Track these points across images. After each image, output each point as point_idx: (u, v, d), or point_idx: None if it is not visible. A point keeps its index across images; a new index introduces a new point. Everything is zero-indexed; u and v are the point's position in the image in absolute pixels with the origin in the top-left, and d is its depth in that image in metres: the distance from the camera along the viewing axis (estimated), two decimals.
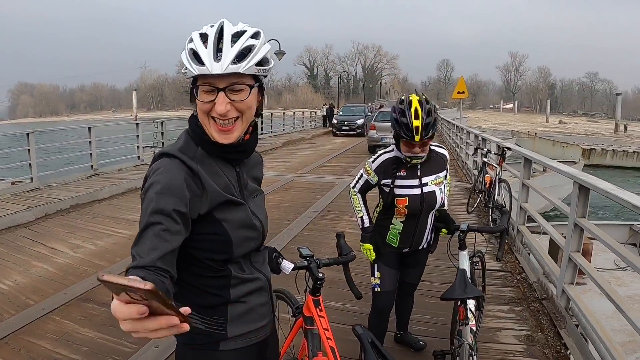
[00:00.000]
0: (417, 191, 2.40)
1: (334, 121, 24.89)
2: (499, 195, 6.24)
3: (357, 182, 2.56)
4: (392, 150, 2.46)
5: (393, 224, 2.51)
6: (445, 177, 2.53)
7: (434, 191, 2.42)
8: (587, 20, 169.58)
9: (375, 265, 2.59)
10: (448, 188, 2.67)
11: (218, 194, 1.17)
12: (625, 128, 49.29)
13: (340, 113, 26.56)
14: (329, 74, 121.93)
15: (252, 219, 1.26)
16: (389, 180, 2.41)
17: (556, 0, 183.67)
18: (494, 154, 7.10)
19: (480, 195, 7.11)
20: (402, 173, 2.40)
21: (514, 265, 4.65)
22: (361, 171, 2.56)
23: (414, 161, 2.35)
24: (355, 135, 22.29)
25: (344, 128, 23.34)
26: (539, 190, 4.79)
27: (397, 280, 2.64)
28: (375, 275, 2.59)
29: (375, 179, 2.46)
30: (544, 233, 5.69)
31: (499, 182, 6.25)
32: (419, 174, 2.41)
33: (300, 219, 6.54)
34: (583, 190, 3.25)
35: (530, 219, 5.19)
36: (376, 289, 2.61)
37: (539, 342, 3.14)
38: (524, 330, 3.31)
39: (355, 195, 2.57)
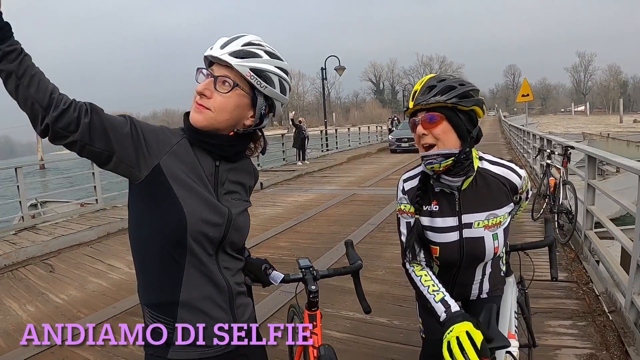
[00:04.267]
0: (453, 236, 1.57)
1: (390, 137, 21.91)
2: (564, 198, 5.74)
3: (404, 244, 1.64)
4: (418, 167, 1.69)
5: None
6: (512, 212, 1.69)
7: (482, 238, 1.56)
8: None
9: (417, 307, 1.91)
10: (518, 214, 1.90)
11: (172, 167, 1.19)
12: None
13: (399, 127, 23.21)
14: (395, 88, 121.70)
15: (214, 201, 1.23)
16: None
17: None
18: (558, 154, 6.58)
19: (545, 200, 6.60)
20: (434, 206, 1.59)
21: (581, 275, 4.20)
22: (398, 220, 1.70)
23: (444, 180, 1.54)
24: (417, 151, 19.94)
25: (402, 145, 20.39)
26: (604, 191, 4.31)
27: None
28: (418, 320, 1.92)
29: (412, 208, 1.63)
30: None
31: (563, 185, 5.75)
32: (457, 209, 1.57)
33: (357, 232, 6.39)
34: None
35: (600, 225, 4.70)
36: (421, 334, 1.94)
37: None
38: (587, 349, 2.92)
39: (413, 270, 1.61)
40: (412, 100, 1.51)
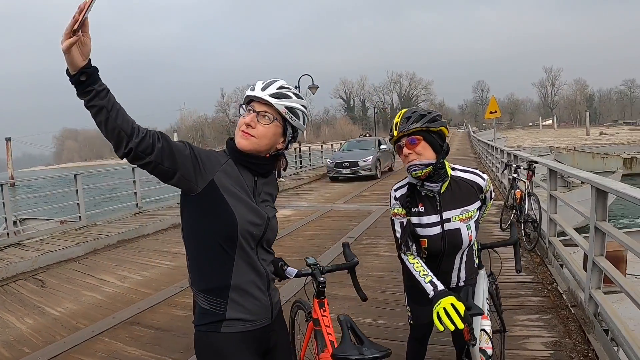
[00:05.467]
0: (437, 229, 2.01)
1: (328, 161, 17.63)
2: (530, 209, 6.22)
3: (399, 239, 2.06)
4: (405, 179, 2.13)
5: None
6: (480, 208, 2.12)
7: (459, 229, 2.00)
8: (617, 27, 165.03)
9: (406, 298, 2.33)
10: (486, 213, 2.31)
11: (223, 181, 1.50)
12: None
13: (343, 148, 19.42)
14: (366, 105, 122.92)
15: (256, 207, 1.54)
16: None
17: (577, 8, 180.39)
18: (523, 169, 7.10)
19: (512, 211, 7.08)
20: (420, 208, 2.03)
21: (546, 277, 4.62)
22: (392, 222, 2.12)
23: (427, 187, 1.99)
24: (362, 179, 15.72)
25: (344, 172, 16.11)
26: (564, 200, 4.78)
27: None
28: (407, 308, 2.33)
29: (404, 211, 2.06)
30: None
31: (528, 196, 6.24)
32: (439, 207, 2.01)
33: (336, 246, 6.60)
34: (601, 193, 3.29)
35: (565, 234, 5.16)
36: (409, 321, 2.33)
37: (566, 348, 3.14)
38: (552, 337, 3.31)
39: (407, 259, 2.04)
40: (396, 130, 1.97)
